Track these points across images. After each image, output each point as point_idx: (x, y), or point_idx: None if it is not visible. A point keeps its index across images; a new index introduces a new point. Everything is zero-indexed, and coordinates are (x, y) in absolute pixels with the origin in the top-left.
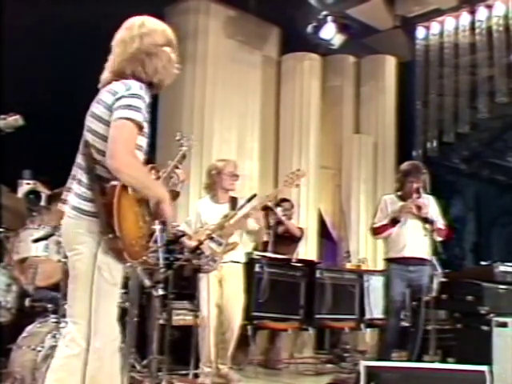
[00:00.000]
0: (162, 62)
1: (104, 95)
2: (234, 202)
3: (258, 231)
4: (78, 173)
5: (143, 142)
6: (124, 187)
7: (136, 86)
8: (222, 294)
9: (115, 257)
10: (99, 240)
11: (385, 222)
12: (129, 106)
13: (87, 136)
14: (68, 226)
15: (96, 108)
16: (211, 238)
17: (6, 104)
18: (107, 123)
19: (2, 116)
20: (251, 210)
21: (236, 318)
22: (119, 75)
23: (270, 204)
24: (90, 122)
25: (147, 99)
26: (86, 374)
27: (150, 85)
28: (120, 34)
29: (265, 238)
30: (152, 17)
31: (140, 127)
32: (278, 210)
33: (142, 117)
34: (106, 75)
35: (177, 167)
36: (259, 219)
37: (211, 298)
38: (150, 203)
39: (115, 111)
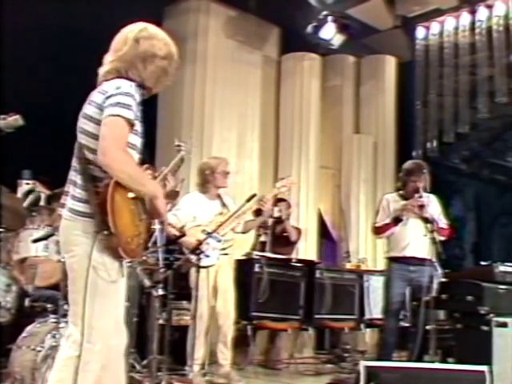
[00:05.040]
0: (155, 69)
1: (95, 96)
2: (220, 197)
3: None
4: (73, 175)
5: (137, 140)
6: (118, 185)
7: (126, 85)
8: (217, 288)
9: (111, 254)
10: (94, 240)
11: (387, 221)
12: (118, 104)
13: (80, 137)
14: (64, 228)
15: (87, 109)
16: (209, 235)
17: (6, 104)
18: (98, 122)
19: (2, 116)
20: (245, 212)
21: (232, 309)
22: (113, 74)
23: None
24: (82, 123)
25: (138, 98)
26: (80, 375)
27: (140, 85)
28: (120, 35)
29: (262, 238)
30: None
31: (131, 124)
32: (275, 210)
33: (133, 114)
34: (100, 74)
35: (173, 175)
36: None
37: (207, 295)
38: (146, 201)
39: (105, 109)
